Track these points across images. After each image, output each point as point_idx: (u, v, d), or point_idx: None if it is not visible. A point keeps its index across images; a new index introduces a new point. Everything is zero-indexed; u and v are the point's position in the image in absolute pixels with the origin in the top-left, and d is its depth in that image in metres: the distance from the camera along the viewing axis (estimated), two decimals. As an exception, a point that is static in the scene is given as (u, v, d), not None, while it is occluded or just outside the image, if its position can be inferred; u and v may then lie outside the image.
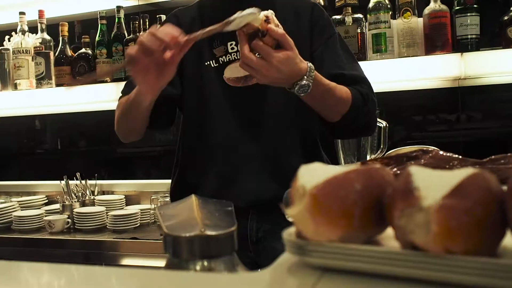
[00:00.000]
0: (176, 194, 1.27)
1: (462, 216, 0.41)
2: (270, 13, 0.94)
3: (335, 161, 1.61)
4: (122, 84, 1.97)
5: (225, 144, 1.21)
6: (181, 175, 1.27)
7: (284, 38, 0.94)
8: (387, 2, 1.71)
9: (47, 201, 2.26)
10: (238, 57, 1.17)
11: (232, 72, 1.19)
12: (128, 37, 2.01)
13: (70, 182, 2.11)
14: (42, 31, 2.17)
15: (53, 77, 2.14)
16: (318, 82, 1.03)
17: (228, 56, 1.21)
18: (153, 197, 1.95)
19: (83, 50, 2.11)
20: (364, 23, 1.75)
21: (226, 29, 0.95)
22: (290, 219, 0.51)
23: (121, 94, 1.27)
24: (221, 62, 1.21)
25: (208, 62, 1.22)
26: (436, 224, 0.41)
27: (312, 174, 0.51)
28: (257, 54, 0.95)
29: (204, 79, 1.22)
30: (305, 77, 0.99)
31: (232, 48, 1.21)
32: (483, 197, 0.43)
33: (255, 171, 1.19)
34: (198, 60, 1.22)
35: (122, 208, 2.05)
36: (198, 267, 0.60)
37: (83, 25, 2.27)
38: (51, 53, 2.15)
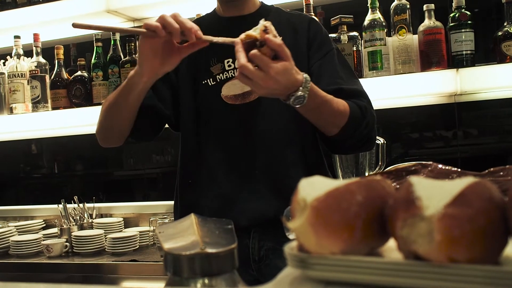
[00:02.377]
0: (178, 214, 1.26)
1: (465, 225, 0.41)
2: (268, 23, 0.94)
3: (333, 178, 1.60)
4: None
5: (225, 163, 1.20)
6: (182, 195, 1.26)
7: (282, 49, 0.94)
8: (382, 19, 1.73)
9: (44, 225, 2.24)
10: (236, 75, 1.18)
11: (230, 89, 1.19)
12: (124, 59, 2.02)
13: (68, 205, 2.09)
14: (37, 54, 2.18)
15: (49, 101, 2.15)
16: (314, 94, 1.02)
17: (226, 74, 1.21)
18: (151, 218, 1.93)
19: (79, 73, 2.12)
20: (360, 41, 1.77)
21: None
22: (291, 236, 0.50)
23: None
24: (218, 80, 1.21)
25: (206, 81, 1.22)
26: (439, 233, 0.41)
27: (313, 187, 0.51)
28: (254, 64, 0.95)
29: (202, 98, 1.22)
30: (301, 88, 0.99)
31: (229, 66, 1.21)
32: (485, 205, 0.43)
33: (256, 190, 1.18)
34: (195, 79, 1.23)
35: (121, 231, 2.03)
36: (199, 285, 0.59)
37: (78, 48, 2.28)
38: (47, 77, 2.16)
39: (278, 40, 0.93)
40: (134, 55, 2.01)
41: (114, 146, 1.26)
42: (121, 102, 1.12)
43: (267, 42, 0.92)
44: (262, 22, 0.94)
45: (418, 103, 1.90)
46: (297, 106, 1.01)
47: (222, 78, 1.21)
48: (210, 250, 0.66)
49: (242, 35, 0.95)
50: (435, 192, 0.44)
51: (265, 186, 1.17)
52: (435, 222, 0.41)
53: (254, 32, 0.93)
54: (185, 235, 0.79)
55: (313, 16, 1.80)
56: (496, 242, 0.43)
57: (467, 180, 0.45)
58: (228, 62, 1.21)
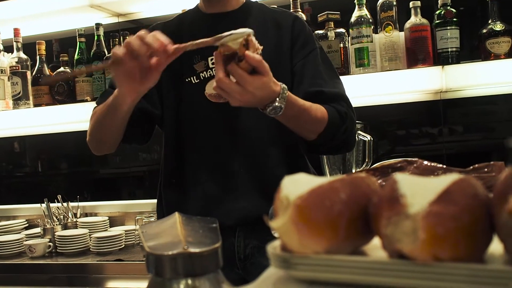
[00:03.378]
0: (161, 214, 1.24)
1: (450, 222, 0.40)
2: (250, 35, 0.92)
3: (320, 175, 1.60)
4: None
5: (209, 162, 1.19)
6: (166, 194, 1.24)
7: (261, 64, 0.94)
8: (369, 16, 1.73)
9: (27, 225, 2.20)
10: None
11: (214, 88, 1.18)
12: (108, 55, 1.99)
13: (51, 205, 2.06)
14: (18, 50, 2.13)
15: (31, 97, 2.10)
16: (292, 103, 1.03)
17: (209, 72, 1.19)
18: (137, 217, 1.91)
19: (61, 69, 2.08)
20: (347, 38, 1.77)
21: (216, 43, 0.93)
22: (276, 234, 0.49)
23: (95, 105, 1.23)
24: (202, 78, 1.19)
25: (189, 79, 1.20)
26: (423, 231, 0.40)
27: (296, 185, 0.50)
28: (231, 77, 0.94)
29: (185, 96, 1.20)
30: (277, 99, 0.99)
31: (213, 64, 1.19)
32: (469, 202, 0.42)
33: (241, 189, 1.17)
34: (178, 77, 1.21)
35: (106, 230, 2.01)
36: (182, 286, 0.58)
37: (61, 43, 2.24)
38: (28, 73, 2.12)
39: (257, 56, 0.93)
40: (118, 51, 1.98)
41: (107, 153, 1.26)
42: (108, 121, 1.12)
43: (246, 58, 0.91)
44: (243, 31, 0.91)
45: (404, 100, 1.91)
46: (273, 115, 1.02)
47: (206, 76, 1.19)
48: (193, 249, 0.65)
49: (221, 47, 0.93)
50: (419, 189, 0.43)
51: (250, 185, 1.17)
52: (420, 220, 0.40)
53: (234, 44, 0.91)
54: (168, 234, 0.77)
55: (300, 13, 1.79)
56: (481, 239, 0.42)
57: (452, 177, 0.44)
58: (212, 59, 1.19)
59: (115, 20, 2.19)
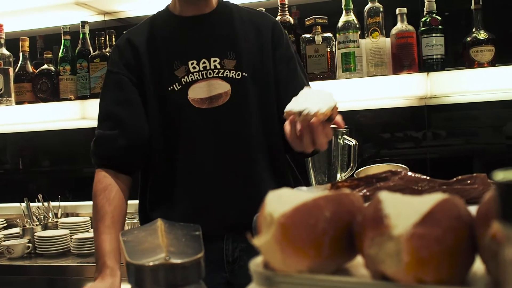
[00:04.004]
0: (145, 220, 1.23)
1: (433, 245, 0.40)
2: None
3: (306, 180, 1.60)
4: (87, 102, 1.94)
5: (197, 168, 1.17)
6: (152, 200, 1.22)
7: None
8: (355, 21, 1.73)
9: (6, 224, 2.16)
10: (202, 77, 1.16)
11: (196, 92, 1.16)
12: (94, 53, 1.96)
13: (31, 204, 2.02)
14: (0, 46, 2.08)
15: (13, 95, 2.06)
16: None
17: (191, 76, 1.17)
18: (119, 218, 1.88)
19: (45, 66, 2.04)
20: (334, 42, 1.77)
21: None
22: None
23: (97, 136, 1.22)
24: (183, 83, 1.17)
25: (172, 87, 1.17)
26: (407, 254, 0.40)
27: (280, 201, 0.49)
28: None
29: (169, 104, 1.18)
30: None
31: (194, 68, 1.17)
32: (453, 224, 0.42)
33: (229, 195, 1.16)
34: (160, 86, 1.18)
35: (88, 231, 1.98)
36: (162, 298, 0.57)
37: (45, 40, 2.19)
38: (11, 69, 2.07)
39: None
40: (103, 50, 1.95)
41: None
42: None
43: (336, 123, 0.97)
44: (330, 103, 0.94)
45: (389, 105, 1.92)
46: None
47: (188, 81, 1.17)
48: (174, 260, 0.64)
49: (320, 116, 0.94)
50: (403, 209, 0.43)
51: (238, 191, 1.16)
52: (403, 242, 0.40)
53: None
54: (150, 243, 0.76)
55: (288, 17, 1.79)
56: (464, 261, 0.43)
57: (436, 197, 0.44)
58: (192, 64, 1.17)
59: (101, 18, 2.16)
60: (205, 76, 1.16)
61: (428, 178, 0.78)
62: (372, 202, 0.47)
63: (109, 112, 1.20)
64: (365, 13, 1.74)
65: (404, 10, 1.72)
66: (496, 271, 0.41)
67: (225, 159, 1.16)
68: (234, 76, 1.17)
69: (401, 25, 1.72)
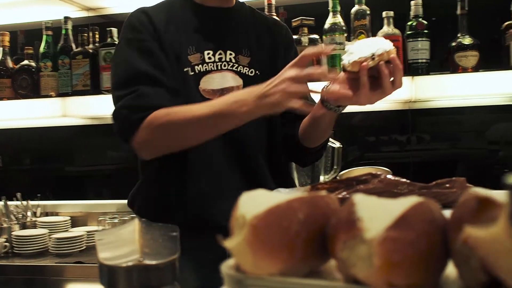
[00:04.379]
0: (150, 214, 1.14)
1: (406, 249, 0.40)
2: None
3: (290, 181, 1.59)
4: (68, 100, 1.91)
5: (207, 161, 1.13)
6: (159, 192, 1.15)
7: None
8: (342, 24, 1.73)
9: (-17, 223, 2.11)
10: (216, 68, 1.13)
11: (209, 83, 1.12)
12: (76, 50, 1.92)
13: (10, 203, 1.98)
14: (-20, 40, 2.04)
15: (-8, 91, 2.02)
16: None
17: (205, 66, 1.12)
18: (100, 218, 1.85)
19: (26, 62, 2.00)
20: (320, 44, 1.77)
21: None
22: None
23: (156, 103, 1.05)
24: (196, 71, 1.12)
25: (186, 69, 1.11)
26: (378, 258, 0.39)
27: (254, 202, 0.48)
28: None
29: (182, 86, 1.11)
30: None
31: (210, 58, 1.13)
32: (426, 228, 0.41)
33: (237, 189, 1.14)
34: (178, 63, 1.11)
35: (67, 231, 1.94)
36: (135, 300, 0.55)
37: (26, 35, 2.16)
38: (-11, 65, 2.04)
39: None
40: (86, 47, 1.92)
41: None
42: (226, 121, 1.03)
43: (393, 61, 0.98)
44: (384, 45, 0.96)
45: (374, 108, 1.90)
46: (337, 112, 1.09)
47: (201, 70, 1.12)
48: (149, 261, 0.63)
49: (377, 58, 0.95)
50: (377, 213, 0.42)
51: (244, 185, 1.13)
52: (375, 246, 0.39)
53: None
54: (125, 243, 0.74)
55: (275, 17, 1.78)
56: (436, 265, 0.42)
57: (410, 201, 0.43)
58: (208, 53, 1.13)
59: (84, 14, 2.13)
60: (219, 68, 1.14)
61: (408, 181, 0.78)
62: (346, 205, 0.46)
63: (145, 72, 1.07)
64: (352, 16, 1.74)
65: (391, 13, 1.73)
66: (468, 275, 0.41)
67: (231, 153, 1.13)
68: (247, 73, 1.16)
69: (387, 29, 1.72)
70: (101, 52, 1.88)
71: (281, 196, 0.49)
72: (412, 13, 1.72)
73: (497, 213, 0.38)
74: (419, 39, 1.69)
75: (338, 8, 1.73)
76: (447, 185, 0.78)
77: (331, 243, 0.44)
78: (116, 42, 1.88)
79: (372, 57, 0.94)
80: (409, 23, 1.71)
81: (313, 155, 1.25)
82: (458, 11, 1.70)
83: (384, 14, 1.73)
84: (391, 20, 1.72)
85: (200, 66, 1.13)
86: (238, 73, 1.15)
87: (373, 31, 1.74)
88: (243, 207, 0.48)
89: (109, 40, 1.90)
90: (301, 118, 1.21)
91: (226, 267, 0.48)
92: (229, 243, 0.47)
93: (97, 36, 1.95)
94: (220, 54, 1.14)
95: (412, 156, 1.95)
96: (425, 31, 1.69)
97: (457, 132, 1.96)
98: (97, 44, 1.95)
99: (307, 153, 1.22)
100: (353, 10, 1.74)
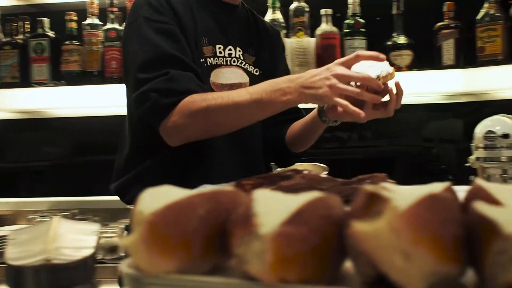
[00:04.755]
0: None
1: (298, 244, 0.39)
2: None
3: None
4: (6, 91, 1.79)
5: (211, 154, 1.10)
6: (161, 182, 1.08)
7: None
8: (281, 20, 1.73)
9: None
10: (226, 63, 1.13)
11: (218, 77, 1.12)
12: (4, 40, 1.81)
13: None
14: None
15: None
16: None
17: (216, 60, 1.11)
18: (29, 216, 1.76)
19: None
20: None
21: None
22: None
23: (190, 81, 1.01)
24: (208, 64, 1.10)
25: (202, 60, 1.10)
26: (270, 253, 0.38)
27: (154, 198, 0.47)
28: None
29: (203, 75, 1.08)
30: None
31: (220, 53, 1.12)
32: (321, 223, 0.41)
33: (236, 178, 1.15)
34: (196, 50, 1.08)
35: (-5, 230, 1.82)
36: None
37: None
38: None
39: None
40: (15, 37, 1.81)
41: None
42: (266, 108, 1.01)
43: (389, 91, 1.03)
44: (388, 68, 0.99)
45: (313, 105, 1.94)
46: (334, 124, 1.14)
47: (212, 63, 1.11)
48: (57, 261, 0.60)
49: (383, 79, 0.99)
50: (274, 208, 0.42)
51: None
52: (268, 241, 0.39)
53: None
54: (38, 242, 0.70)
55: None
56: (332, 261, 0.42)
57: (308, 196, 0.43)
58: (219, 48, 1.12)
59: (13, 2, 2.00)
60: (229, 63, 1.14)
61: (330, 177, 0.78)
62: (246, 200, 0.45)
63: (173, 55, 1.02)
64: (290, 12, 1.75)
65: (330, 11, 1.75)
66: (362, 270, 0.41)
67: (236, 148, 1.13)
68: (252, 71, 1.18)
69: (325, 26, 1.74)
70: (31, 43, 1.79)
71: (183, 192, 0.48)
72: (349, 11, 1.75)
73: (384, 207, 0.38)
74: (356, 37, 1.72)
75: (278, 5, 1.74)
76: (368, 181, 0.80)
77: (229, 239, 0.44)
78: (48, 33, 1.80)
79: (378, 78, 0.97)
80: (347, 21, 1.74)
81: (294, 158, 1.29)
82: (394, 11, 1.75)
83: (322, 11, 1.75)
84: (329, 18, 1.74)
85: (211, 59, 1.11)
86: (246, 71, 1.17)
87: (313, 28, 1.76)
88: (143, 203, 0.46)
89: (39, 30, 1.81)
90: (290, 122, 1.25)
91: (125, 265, 0.46)
92: (124, 241, 0.45)
93: (27, 26, 1.84)
94: (230, 50, 1.15)
95: (353, 153, 1.99)
96: (362, 30, 1.73)
97: (396, 129, 2.02)
98: (27, 35, 1.85)
99: (290, 156, 1.27)
100: (292, 6, 1.75)
